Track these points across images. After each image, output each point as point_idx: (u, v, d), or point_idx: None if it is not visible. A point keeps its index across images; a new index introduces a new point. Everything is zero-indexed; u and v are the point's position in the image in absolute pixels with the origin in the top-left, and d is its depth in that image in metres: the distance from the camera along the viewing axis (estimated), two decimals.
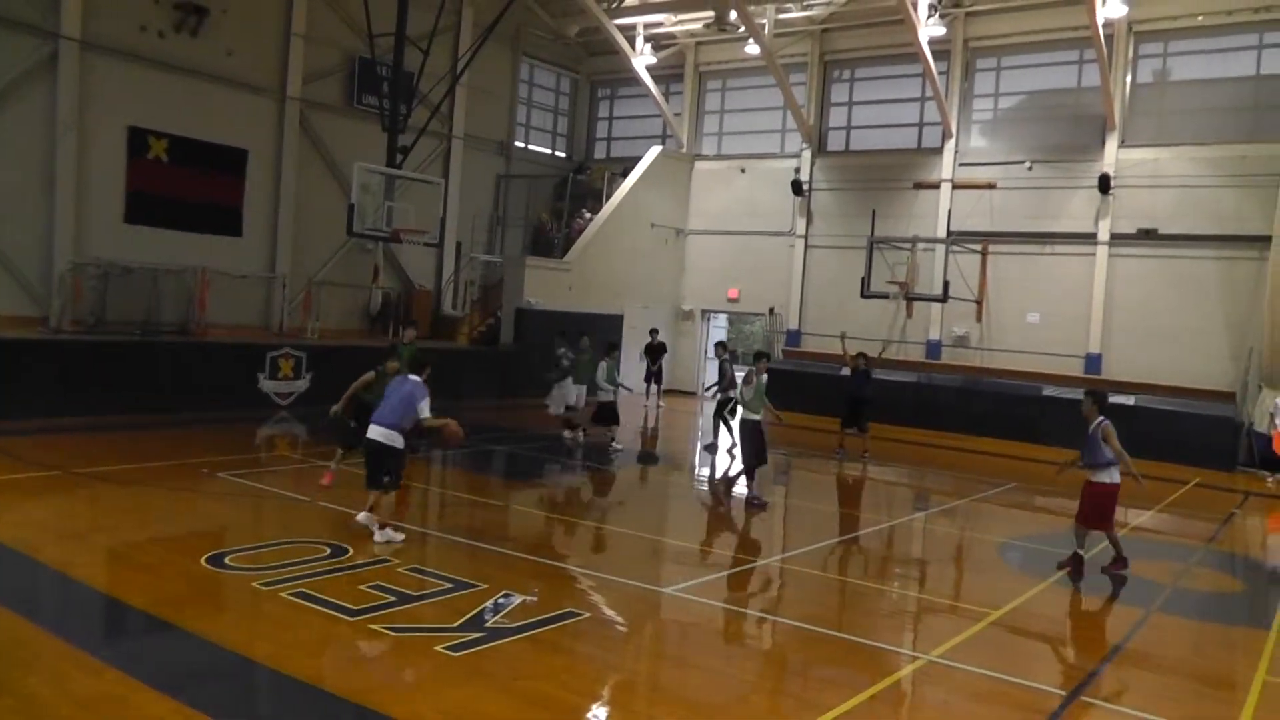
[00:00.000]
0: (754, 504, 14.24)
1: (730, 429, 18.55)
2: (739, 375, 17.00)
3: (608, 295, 27.57)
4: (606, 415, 18.52)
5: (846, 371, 19.55)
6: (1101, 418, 10.85)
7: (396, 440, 10.44)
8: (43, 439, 14.77)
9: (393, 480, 10.54)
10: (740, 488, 14.81)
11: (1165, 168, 23.33)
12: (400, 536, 10.42)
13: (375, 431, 10.43)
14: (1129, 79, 24.12)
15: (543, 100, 32.64)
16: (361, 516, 10.57)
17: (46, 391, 16.37)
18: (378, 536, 10.28)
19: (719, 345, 20.24)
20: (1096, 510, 10.98)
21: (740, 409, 14.46)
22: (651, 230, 29.65)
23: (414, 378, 10.61)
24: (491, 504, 12.38)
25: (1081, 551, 10.98)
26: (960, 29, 25.92)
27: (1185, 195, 23.00)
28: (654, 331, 24.07)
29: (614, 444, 18.39)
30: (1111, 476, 10.87)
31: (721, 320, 32.23)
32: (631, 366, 27.14)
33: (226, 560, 9.17)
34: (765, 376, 14.53)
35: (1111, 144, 23.86)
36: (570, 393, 19.10)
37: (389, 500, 10.57)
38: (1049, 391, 22.51)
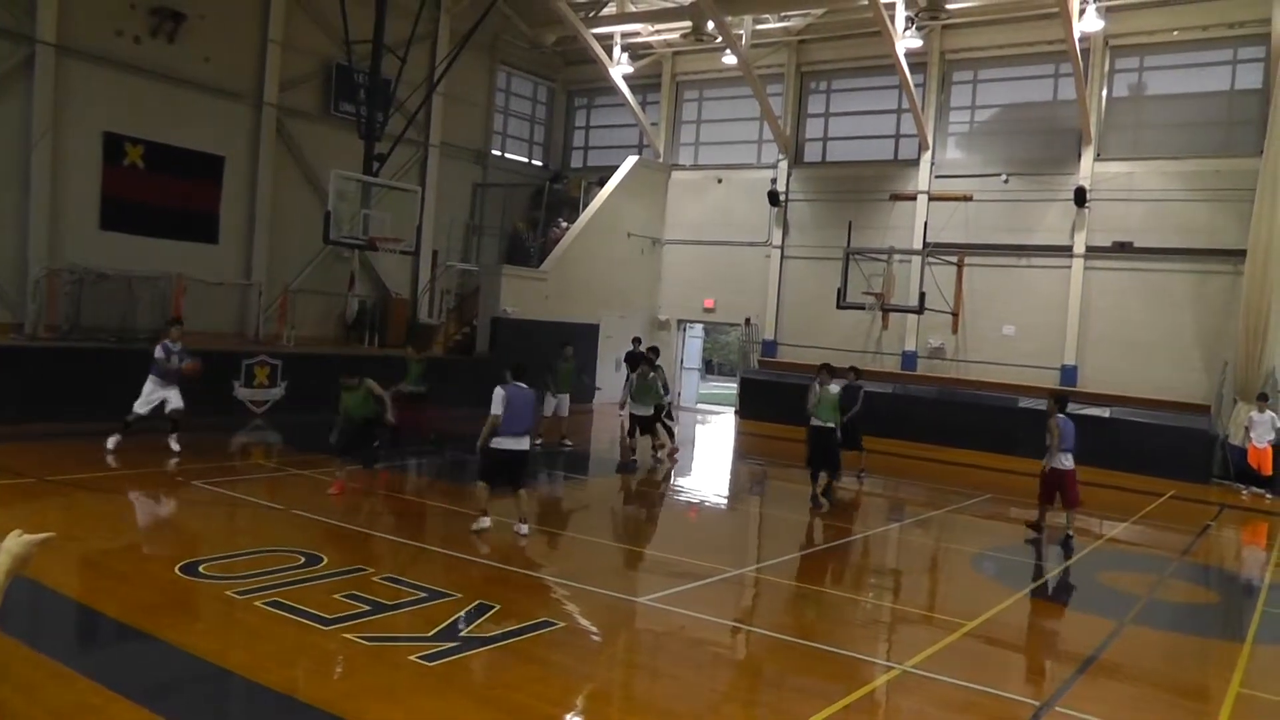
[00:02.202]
0: (815, 504, 15.15)
1: (670, 430, 19.30)
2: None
3: (584, 305, 27.55)
4: (643, 426, 18.46)
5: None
6: (1058, 416, 13.47)
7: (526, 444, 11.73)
8: (16, 446, 14.62)
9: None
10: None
11: (1140, 181, 23.50)
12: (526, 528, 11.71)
13: (520, 443, 11.51)
14: (1105, 93, 24.31)
15: (519, 109, 32.60)
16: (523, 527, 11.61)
17: (20, 398, 16.25)
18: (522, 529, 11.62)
19: (653, 349, 20.69)
20: (1041, 488, 13.84)
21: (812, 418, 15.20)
22: (628, 240, 29.65)
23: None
24: (467, 513, 12.33)
25: (1044, 525, 13.95)
26: (937, 41, 26.07)
27: (1160, 209, 23.18)
28: (636, 340, 24.05)
29: (653, 454, 18.73)
30: (1050, 461, 13.55)
31: (698, 330, 32.25)
32: (608, 374, 27.17)
33: (200, 569, 9.11)
34: (834, 388, 15.24)
35: (1087, 157, 24.04)
36: (549, 403, 19.16)
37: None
38: (1025, 403, 22.57)
